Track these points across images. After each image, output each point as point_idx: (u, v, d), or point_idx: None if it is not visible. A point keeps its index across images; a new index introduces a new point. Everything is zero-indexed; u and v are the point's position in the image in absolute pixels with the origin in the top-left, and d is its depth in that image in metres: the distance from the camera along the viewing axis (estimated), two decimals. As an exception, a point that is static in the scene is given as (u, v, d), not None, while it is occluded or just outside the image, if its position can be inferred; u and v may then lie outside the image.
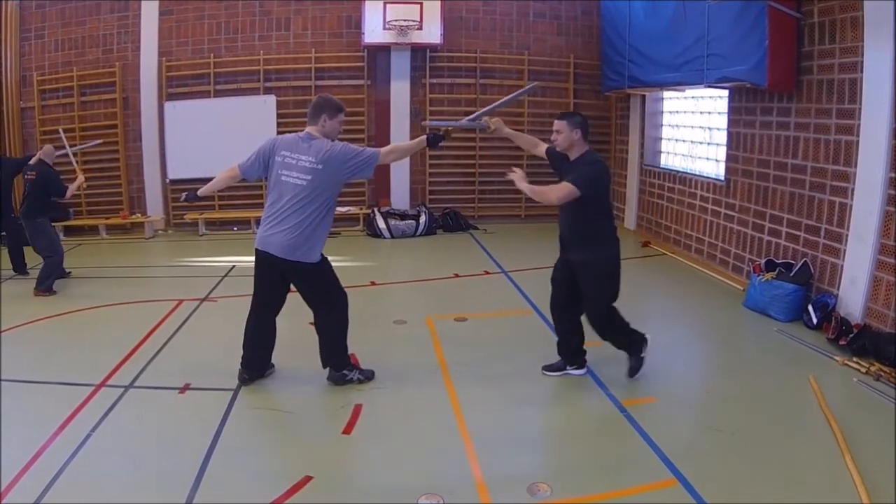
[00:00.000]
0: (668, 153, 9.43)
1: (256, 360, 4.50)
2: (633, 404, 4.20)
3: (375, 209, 10.06)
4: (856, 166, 5.39)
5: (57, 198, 7.01)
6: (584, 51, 10.49)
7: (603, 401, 4.31)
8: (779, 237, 6.50)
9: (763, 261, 6.41)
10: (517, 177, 4.18)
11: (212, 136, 9.59)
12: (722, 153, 7.67)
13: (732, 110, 7.37)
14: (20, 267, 7.52)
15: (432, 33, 9.63)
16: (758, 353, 5.21)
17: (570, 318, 4.62)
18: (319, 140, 4.16)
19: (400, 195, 10.43)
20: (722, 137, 7.68)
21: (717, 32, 6.71)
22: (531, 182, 4.16)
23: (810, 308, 5.65)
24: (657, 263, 8.21)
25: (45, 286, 6.69)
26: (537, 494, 3.24)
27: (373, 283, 7.14)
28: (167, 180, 10.15)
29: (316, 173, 4.07)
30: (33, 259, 7.43)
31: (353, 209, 10.17)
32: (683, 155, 8.93)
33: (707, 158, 8.26)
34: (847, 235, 5.52)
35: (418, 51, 10.04)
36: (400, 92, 10.18)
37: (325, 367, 4.50)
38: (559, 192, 4.13)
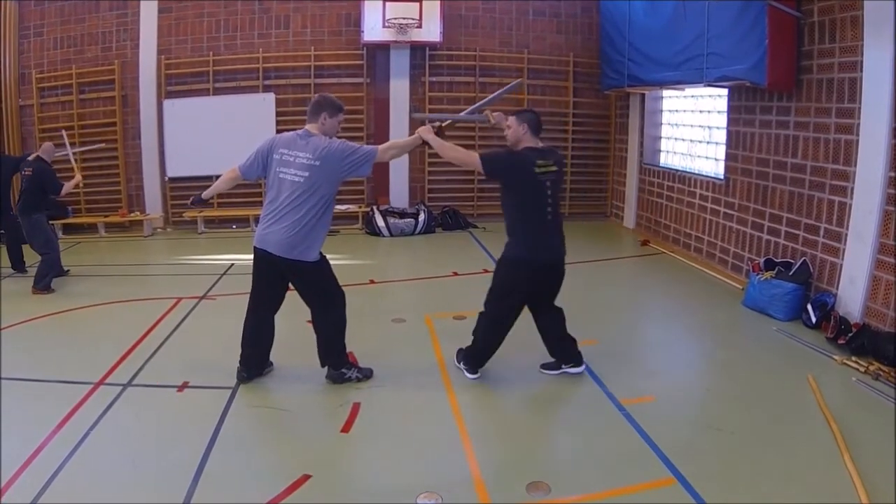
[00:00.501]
0: (667, 152, 9.44)
1: (255, 359, 4.49)
2: (632, 403, 4.20)
3: (374, 207, 10.05)
4: (855, 165, 5.39)
5: (53, 195, 6.99)
6: (583, 49, 10.48)
7: (602, 399, 4.30)
8: (778, 236, 6.49)
9: (762, 260, 6.41)
10: (424, 129, 4.31)
11: (211, 134, 9.59)
12: (721, 152, 7.67)
13: (732, 109, 7.37)
14: (19, 265, 7.51)
15: (432, 31, 9.61)
16: (757, 352, 5.20)
17: (541, 319, 4.62)
18: (317, 137, 4.16)
19: (399, 193, 10.43)
20: (721, 136, 7.68)
21: (716, 31, 6.71)
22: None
23: (809, 307, 5.65)
24: (656, 262, 8.21)
25: (42, 284, 6.68)
26: (536, 493, 3.24)
27: (372, 282, 7.14)
28: (166, 178, 10.14)
29: (313, 170, 4.07)
30: (32, 257, 7.40)
31: (352, 207, 10.16)
32: (683, 154, 8.93)
33: (706, 157, 8.26)
34: (846, 234, 5.51)
35: (418, 49, 10.03)
36: (399, 90, 10.17)
37: (323, 365, 4.50)
38: (458, 152, 4.29)
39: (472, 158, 4.23)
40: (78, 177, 7.27)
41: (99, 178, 10.01)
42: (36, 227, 6.81)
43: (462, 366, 4.67)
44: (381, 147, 4.28)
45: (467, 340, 4.69)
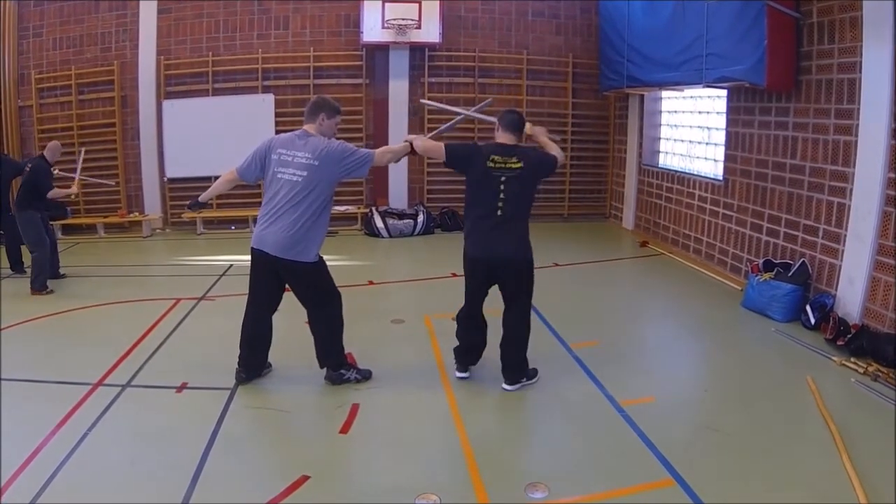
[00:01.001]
0: (666, 153, 9.44)
1: (254, 359, 4.49)
2: (631, 404, 4.19)
3: (373, 208, 10.05)
4: (854, 166, 5.39)
5: (42, 192, 6.94)
6: (582, 50, 10.49)
7: (601, 400, 4.30)
8: (777, 237, 6.50)
9: (761, 261, 6.41)
10: (415, 138, 4.40)
11: (210, 135, 9.58)
12: (720, 153, 7.67)
13: (731, 110, 7.37)
14: (18, 265, 7.50)
15: (431, 32, 9.61)
16: (756, 353, 5.21)
17: (503, 316, 4.51)
18: (316, 137, 4.18)
19: (398, 194, 10.42)
20: (720, 137, 7.68)
21: (715, 32, 6.71)
22: None
23: (808, 308, 5.65)
24: (655, 263, 8.21)
25: (37, 286, 6.68)
26: (535, 494, 3.24)
27: (370, 283, 7.14)
28: (165, 179, 10.13)
29: (312, 169, 4.08)
30: (30, 258, 7.44)
31: (350, 208, 10.16)
32: (682, 155, 8.94)
33: (705, 158, 8.27)
34: (845, 235, 5.52)
35: (417, 50, 10.03)
36: (398, 91, 10.16)
37: (322, 366, 4.50)
38: (430, 143, 4.39)
39: (439, 149, 4.30)
40: (74, 188, 7.24)
41: (98, 178, 10.01)
42: (28, 224, 6.80)
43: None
44: (377, 151, 4.34)
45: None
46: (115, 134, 10.01)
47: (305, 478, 3.35)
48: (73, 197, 7.20)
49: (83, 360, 4.87)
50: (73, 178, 7.66)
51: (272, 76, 10.06)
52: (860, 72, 5.26)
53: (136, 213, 10.13)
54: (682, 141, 8.94)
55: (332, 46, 10.09)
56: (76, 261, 8.03)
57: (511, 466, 3.54)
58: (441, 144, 4.32)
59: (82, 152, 8.33)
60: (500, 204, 4.17)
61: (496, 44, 10.38)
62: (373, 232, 9.75)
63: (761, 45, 6.00)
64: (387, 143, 10.17)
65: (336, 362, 4.46)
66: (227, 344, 4.66)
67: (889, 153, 5.03)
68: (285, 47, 10.05)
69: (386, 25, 9.46)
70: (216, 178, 4.64)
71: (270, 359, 4.61)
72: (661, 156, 9.56)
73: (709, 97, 8.13)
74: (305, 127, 4.25)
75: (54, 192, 6.92)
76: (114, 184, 9.45)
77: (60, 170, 7.20)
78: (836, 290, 5.61)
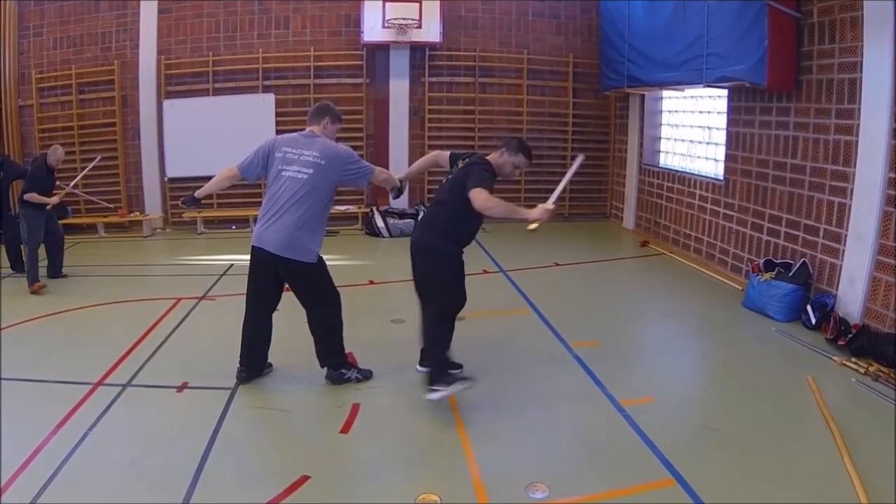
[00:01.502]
0: (667, 153, 9.43)
1: (255, 358, 4.49)
2: (632, 404, 4.19)
3: (374, 208, 10.05)
4: (855, 166, 5.39)
5: (25, 189, 6.91)
6: (583, 50, 10.48)
7: (601, 400, 4.30)
8: (778, 237, 6.49)
9: (762, 260, 6.41)
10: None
11: (210, 135, 9.58)
12: (721, 153, 7.67)
13: (732, 110, 7.37)
14: (18, 265, 7.52)
15: (431, 32, 9.61)
16: (756, 353, 5.20)
17: None
18: (323, 138, 4.26)
19: (398, 194, 10.40)
20: (721, 137, 7.68)
21: (716, 32, 6.70)
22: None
23: (809, 308, 5.65)
24: (656, 263, 8.20)
25: (29, 281, 6.74)
26: (535, 494, 3.24)
27: (371, 282, 7.13)
28: (165, 178, 10.13)
29: (318, 168, 4.11)
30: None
31: (351, 208, 10.16)
32: (682, 154, 8.93)
33: (706, 158, 8.26)
34: (846, 235, 5.51)
35: (417, 49, 10.03)
36: (399, 90, 10.16)
37: (322, 366, 4.50)
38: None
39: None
40: (55, 199, 7.11)
41: (98, 178, 10.01)
42: (25, 219, 6.86)
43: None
44: (377, 168, 4.41)
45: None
46: (115, 134, 10.01)
47: (305, 478, 3.35)
48: (48, 208, 7.08)
49: (83, 360, 4.87)
50: (63, 187, 7.70)
51: (272, 76, 10.06)
52: (861, 71, 5.26)
53: (137, 213, 10.13)
54: (683, 141, 8.94)
55: (332, 46, 10.09)
56: (76, 260, 8.03)
57: (511, 466, 3.54)
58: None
59: (84, 172, 8.31)
60: (437, 199, 4.39)
61: (497, 43, 10.38)
62: (373, 231, 9.75)
63: (762, 45, 6.00)
64: (387, 143, 10.23)
65: (337, 362, 4.47)
66: (228, 344, 4.66)
67: (890, 153, 5.03)
68: (286, 47, 10.05)
69: (386, 25, 9.46)
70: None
71: (270, 359, 4.61)
72: (662, 155, 9.56)
73: (709, 97, 8.13)
74: (310, 128, 4.30)
75: (30, 196, 6.87)
76: (111, 207, 9.53)
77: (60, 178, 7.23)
78: (836, 289, 5.61)
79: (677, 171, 8.80)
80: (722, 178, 7.57)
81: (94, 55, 9.94)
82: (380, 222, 9.74)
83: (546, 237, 9.30)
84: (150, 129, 10.02)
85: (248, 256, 4.34)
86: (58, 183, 7.48)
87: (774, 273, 6.03)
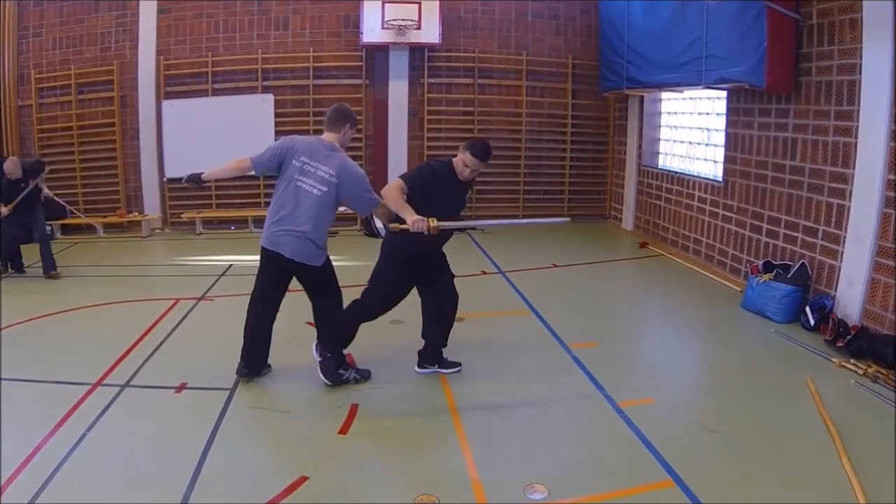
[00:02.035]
0: (666, 154, 9.44)
1: (256, 356, 4.50)
2: (631, 405, 4.19)
3: (373, 209, 10.03)
4: (854, 168, 5.39)
5: None
6: (582, 51, 10.49)
7: (600, 401, 4.30)
8: (776, 238, 6.50)
9: (761, 262, 6.41)
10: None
11: (209, 135, 9.56)
12: (720, 154, 7.67)
13: (731, 111, 7.38)
14: (17, 265, 7.51)
15: (431, 33, 9.61)
16: (755, 354, 5.21)
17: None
18: (341, 153, 4.26)
19: (398, 195, 10.39)
20: (720, 138, 7.69)
21: (715, 33, 6.71)
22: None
23: (808, 309, 5.65)
24: (655, 264, 8.21)
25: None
26: (533, 495, 3.24)
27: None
28: (164, 179, 10.10)
29: (332, 186, 4.15)
30: (30, 258, 7.46)
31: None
32: (681, 156, 8.94)
33: (705, 159, 8.27)
34: (845, 237, 5.52)
35: (416, 50, 10.03)
36: (398, 92, 10.16)
37: (322, 355, 4.50)
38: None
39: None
40: (4, 210, 6.99)
41: (97, 178, 10.02)
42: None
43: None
44: (382, 201, 4.30)
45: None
46: (114, 134, 9.99)
47: (304, 478, 3.35)
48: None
49: (82, 360, 4.86)
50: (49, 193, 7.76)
51: (272, 76, 10.06)
52: (860, 73, 5.26)
53: (136, 213, 10.12)
54: (682, 142, 8.95)
55: (331, 47, 10.09)
56: (75, 261, 8.02)
57: (510, 467, 3.54)
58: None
59: (46, 170, 7.99)
60: None
61: (496, 44, 10.38)
62: (372, 232, 9.74)
63: (761, 47, 6.01)
64: (385, 145, 10.22)
65: (336, 361, 4.47)
66: (227, 344, 4.66)
67: (889, 155, 5.03)
68: (285, 48, 10.04)
69: (386, 26, 9.46)
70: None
71: (270, 359, 4.61)
72: (661, 157, 9.56)
73: (708, 98, 8.13)
74: (329, 136, 4.29)
75: None
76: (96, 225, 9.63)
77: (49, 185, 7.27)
78: (835, 291, 5.61)
79: (676, 172, 8.80)
80: (721, 179, 7.58)
81: (94, 55, 9.93)
82: (378, 223, 9.73)
83: (545, 238, 9.32)
84: (149, 129, 10.01)
85: (247, 257, 4.36)
86: (43, 188, 7.49)
87: (773, 274, 6.03)
